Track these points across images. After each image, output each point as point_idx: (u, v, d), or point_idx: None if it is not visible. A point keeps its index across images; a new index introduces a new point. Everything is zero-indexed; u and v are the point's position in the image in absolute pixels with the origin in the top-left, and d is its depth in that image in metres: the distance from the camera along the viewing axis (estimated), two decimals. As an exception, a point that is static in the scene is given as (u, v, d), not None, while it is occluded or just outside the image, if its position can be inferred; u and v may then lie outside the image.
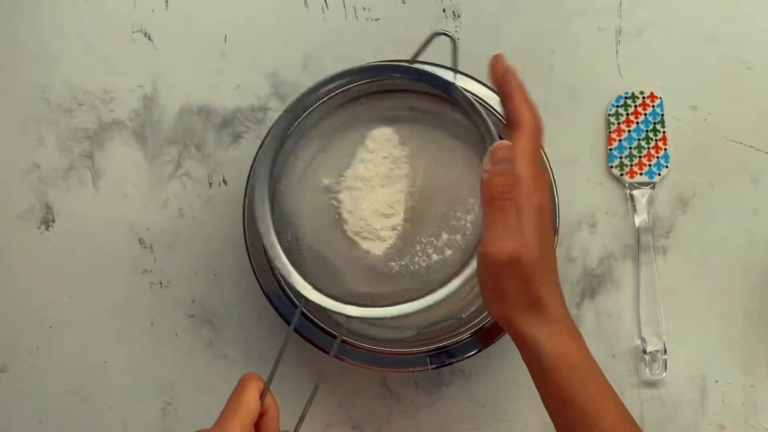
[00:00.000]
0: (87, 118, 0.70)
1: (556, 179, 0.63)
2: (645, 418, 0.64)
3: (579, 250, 0.66)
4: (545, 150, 0.60)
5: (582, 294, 0.66)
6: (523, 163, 0.46)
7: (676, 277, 0.66)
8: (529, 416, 0.64)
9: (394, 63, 0.58)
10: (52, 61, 0.71)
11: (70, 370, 0.66)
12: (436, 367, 0.61)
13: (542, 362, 0.46)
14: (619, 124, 0.68)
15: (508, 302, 0.46)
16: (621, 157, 0.67)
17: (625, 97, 0.69)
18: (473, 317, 0.62)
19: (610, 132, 0.68)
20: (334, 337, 0.60)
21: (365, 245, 0.59)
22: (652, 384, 0.64)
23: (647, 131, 0.68)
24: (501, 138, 0.49)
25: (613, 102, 0.69)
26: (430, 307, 0.54)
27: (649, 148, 0.68)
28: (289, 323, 0.62)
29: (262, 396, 0.48)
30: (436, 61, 0.60)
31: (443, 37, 0.53)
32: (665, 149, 0.68)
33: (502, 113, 0.62)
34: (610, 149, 0.68)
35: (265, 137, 0.65)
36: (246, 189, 0.64)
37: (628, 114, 0.68)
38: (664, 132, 0.68)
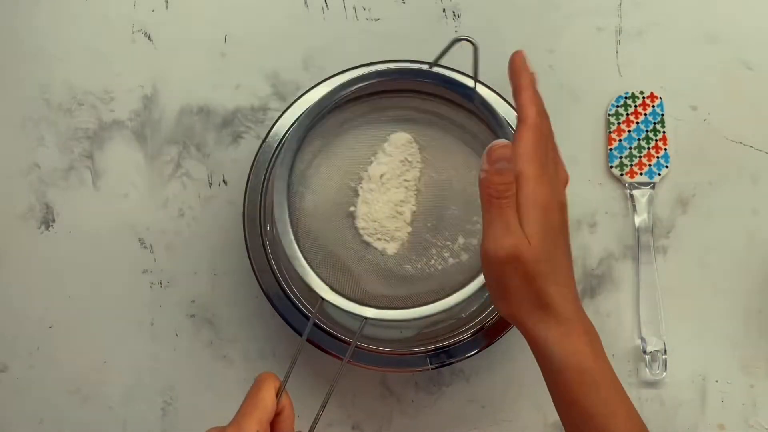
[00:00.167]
0: (87, 118, 0.70)
1: (556, 179, 0.63)
2: (645, 418, 0.64)
3: (579, 250, 0.66)
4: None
5: (582, 294, 0.66)
6: (523, 160, 0.45)
7: (676, 277, 0.66)
8: (529, 416, 0.64)
9: (421, 68, 0.58)
10: (52, 61, 0.71)
11: (70, 370, 0.66)
12: (436, 367, 0.61)
13: (552, 364, 0.46)
14: (619, 124, 0.68)
15: (513, 301, 0.46)
16: (621, 157, 0.67)
17: (625, 97, 0.69)
18: (473, 317, 0.62)
19: (610, 132, 0.68)
20: (348, 343, 0.60)
21: (378, 246, 0.59)
22: (652, 384, 0.64)
23: (647, 131, 0.68)
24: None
25: (613, 102, 0.69)
26: (446, 311, 0.54)
27: (649, 148, 0.68)
28: (289, 323, 0.62)
29: (278, 395, 0.48)
30: (447, 63, 0.60)
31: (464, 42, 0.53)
32: (665, 149, 0.68)
33: (506, 117, 0.63)
34: (610, 149, 0.68)
35: (266, 136, 0.65)
36: (246, 189, 0.64)
37: (628, 114, 0.68)
38: (664, 132, 0.68)
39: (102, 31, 0.71)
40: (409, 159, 0.61)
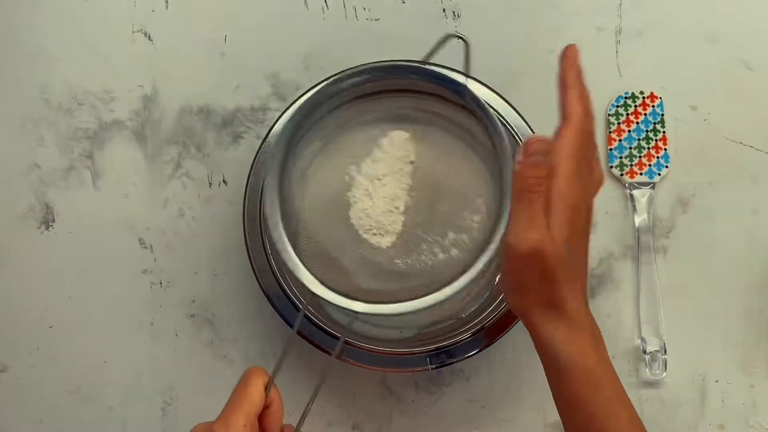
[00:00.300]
0: (87, 118, 0.70)
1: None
2: (645, 419, 0.64)
3: (579, 250, 0.66)
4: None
5: (582, 294, 0.66)
6: (561, 156, 0.45)
7: (676, 277, 0.66)
8: (529, 416, 0.64)
9: (411, 64, 0.58)
10: (52, 61, 0.71)
11: (70, 370, 0.66)
12: (436, 367, 0.61)
13: (557, 362, 0.46)
14: (619, 124, 0.68)
15: (527, 296, 0.46)
16: (621, 157, 0.67)
17: (625, 97, 0.69)
18: (473, 317, 0.62)
19: (610, 132, 0.68)
20: (336, 338, 0.60)
21: (373, 241, 0.59)
22: (652, 384, 0.64)
23: (647, 131, 0.68)
24: (515, 142, 0.49)
25: (613, 102, 0.69)
26: (436, 305, 0.53)
27: (649, 148, 0.68)
28: (289, 323, 0.62)
29: (267, 389, 0.48)
30: (440, 61, 0.60)
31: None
32: (665, 149, 0.68)
33: (505, 117, 0.63)
34: (610, 149, 0.68)
35: (266, 136, 0.65)
36: (246, 189, 0.64)
37: (628, 114, 0.68)
38: (664, 132, 0.68)
39: (102, 31, 0.71)
40: (405, 156, 0.61)
